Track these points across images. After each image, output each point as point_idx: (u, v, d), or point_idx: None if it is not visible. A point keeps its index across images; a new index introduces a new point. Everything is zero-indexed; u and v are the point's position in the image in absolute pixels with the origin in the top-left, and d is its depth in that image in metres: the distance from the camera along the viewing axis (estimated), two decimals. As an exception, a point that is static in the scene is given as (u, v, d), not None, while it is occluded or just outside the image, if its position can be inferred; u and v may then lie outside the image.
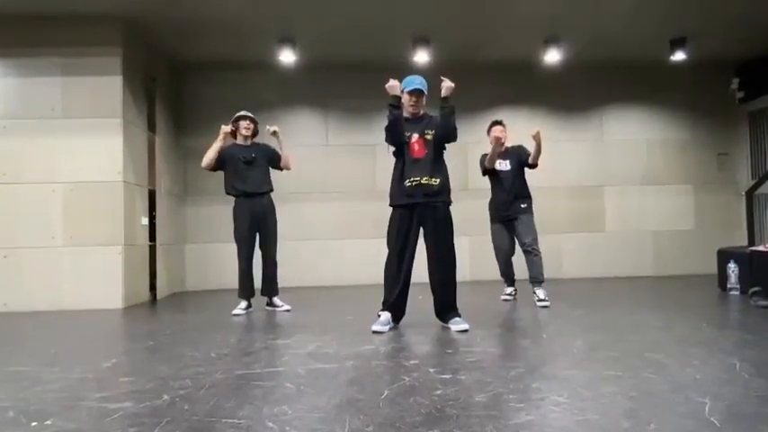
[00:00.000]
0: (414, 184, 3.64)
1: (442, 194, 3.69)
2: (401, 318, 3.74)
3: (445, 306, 3.70)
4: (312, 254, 6.89)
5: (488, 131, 5.10)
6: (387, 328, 3.61)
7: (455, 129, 3.73)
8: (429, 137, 3.72)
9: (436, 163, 3.71)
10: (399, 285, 3.66)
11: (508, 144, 5.06)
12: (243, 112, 4.82)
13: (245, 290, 4.67)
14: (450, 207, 3.76)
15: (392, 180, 3.82)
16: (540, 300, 4.66)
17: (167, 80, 6.66)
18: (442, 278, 3.67)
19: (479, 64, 7.11)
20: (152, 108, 6.21)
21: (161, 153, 6.31)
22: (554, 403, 1.97)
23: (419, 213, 3.66)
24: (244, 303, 4.67)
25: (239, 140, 4.79)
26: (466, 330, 3.49)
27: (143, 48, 5.91)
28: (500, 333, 3.52)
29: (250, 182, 4.64)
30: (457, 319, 3.64)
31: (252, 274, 4.69)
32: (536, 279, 4.79)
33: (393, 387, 2.23)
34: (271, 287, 4.74)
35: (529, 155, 4.93)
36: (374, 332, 3.51)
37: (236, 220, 4.68)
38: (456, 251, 3.74)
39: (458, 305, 3.70)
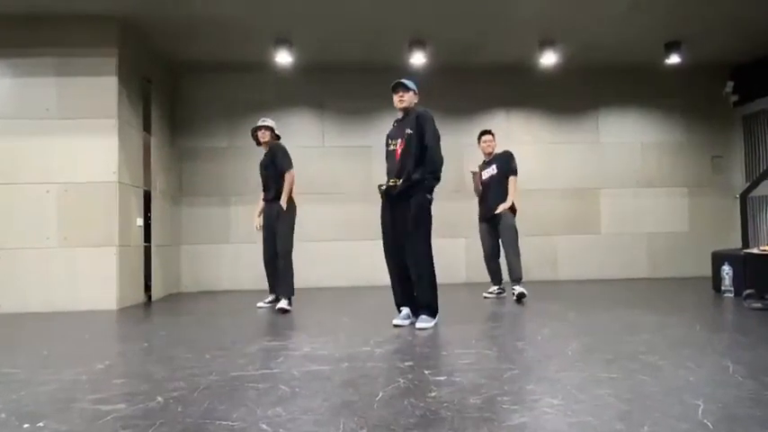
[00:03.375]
0: (384, 188, 3.78)
1: (413, 191, 3.67)
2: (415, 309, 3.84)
3: (418, 302, 3.80)
4: (308, 255, 6.87)
5: (478, 140, 5.49)
6: (407, 322, 3.78)
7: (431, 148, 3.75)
8: (407, 135, 3.76)
9: (409, 158, 3.71)
10: (396, 279, 3.83)
11: (498, 150, 5.43)
12: (258, 122, 5.05)
13: (268, 283, 5.15)
14: (430, 196, 3.73)
15: None
16: (518, 292, 4.98)
17: (163, 81, 6.65)
18: (415, 274, 3.74)
19: (475, 66, 7.13)
20: (147, 109, 6.20)
21: (156, 154, 6.30)
22: (548, 405, 1.97)
23: (394, 207, 3.77)
24: (268, 297, 5.13)
25: (263, 147, 5.09)
26: (424, 329, 3.60)
27: (138, 48, 5.90)
28: (494, 335, 3.52)
29: (264, 188, 5.03)
30: (423, 316, 3.73)
31: (270, 271, 5.04)
32: (514, 278, 5.11)
33: (388, 389, 2.23)
34: (279, 286, 4.87)
35: (514, 167, 5.29)
36: (394, 326, 3.71)
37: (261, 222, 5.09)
38: (432, 249, 3.75)
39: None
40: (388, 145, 3.90)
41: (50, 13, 5.25)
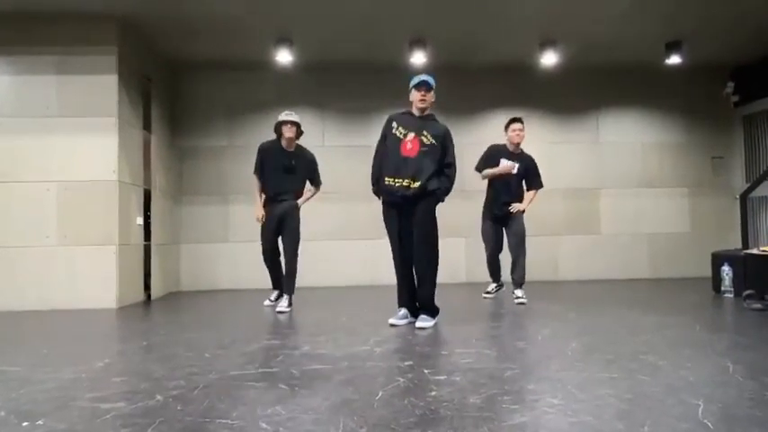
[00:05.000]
0: (396, 184, 3.70)
1: (424, 196, 3.70)
2: (416, 312, 3.83)
3: (420, 302, 3.80)
4: (307, 255, 6.83)
5: (506, 128, 5.15)
6: (404, 322, 3.78)
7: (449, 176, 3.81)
8: (426, 140, 3.73)
9: (424, 164, 3.69)
10: (403, 280, 3.82)
11: (523, 146, 5.15)
12: (283, 117, 4.75)
13: (271, 278, 5.05)
14: (438, 203, 3.79)
15: (374, 167, 3.95)
16: (518, 297, 4.90)
17: (163, 79, 6.64)
18: (420, 274, 3.74)
19: (476, 66, 7.13)
20: (147, 107, 6.19)
21: (156, 152, 6.29)
22: (548, 405, 1.97)
23: (401, 210, 3.75)
24: (273, 294, 5.07)
25: (284, 143, 4.80)
26: (424, 329, 3.61)
27: (139, 46, 5.89)
28: (495, 335, 3.52)
29: (279, 188, 4.78)
30: (423, 316, 3.74)
31: (273, 268, 4.95)
32: (517, 282, 5.00)
33: (387, 388, 2.23)
34: (285, 284, 4.82)
35: (536, 176, 5.10)
36: (390, 325, 3.71)
37: (264, 219, 4.84)
38: (440, 250, 3.79)
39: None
40: (392, 128, 3.81)
41: (50, 11, 5.24)
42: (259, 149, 4.87)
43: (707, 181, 7.59)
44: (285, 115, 4.75)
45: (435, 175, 3.73)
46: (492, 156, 5.10)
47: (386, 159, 3.80)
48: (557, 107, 7.45)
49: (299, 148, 4.87)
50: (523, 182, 5.15)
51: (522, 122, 5.07)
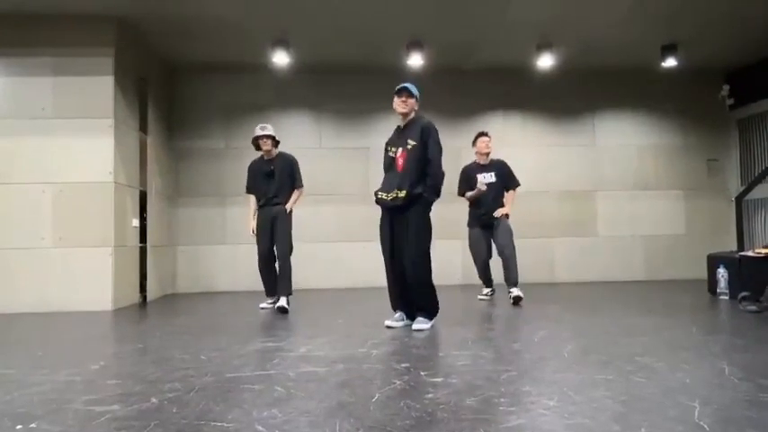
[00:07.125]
0: (385, 197, 3.74)
1: (413, 202, 3.68)
2: (412, 314, 3.83)
3: (417, 305, 3.82)
4: (305, 256, 6.84)
5: (474, 142, 5.40)
6: (400, 324, 3.81)
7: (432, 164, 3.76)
8: (410, 146, 3.75)
9: (411, 172, 3.70)
10: (394, 285, 3.84)
11: (493, 155, 5.36)
12: (257, 132, 4.96)
13: (265, 286, 5.03)
14: (430, 205, 3.77)
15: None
16: (515, 295, 4.99)
17: (159, 81, 6.63)
18: (412, 279, 3.74)
19: (473, 68, 7.14)
20: (144, 109, 6.18)
21: (153, 154, 6.28)
22: (544, 407, 1.97)
23: (393, 216, 3.77)
24: (269, 299, 5.03)
25: (264, 155, 5.04)
26: (420, 330, 3.62)
27: (135, 48, 5.88)
28: (491, 337, 3.52)
29: (265, 193, 4.94)
30: (420, 318, 3.75)
31: (268, 273, 4.95)
32: (512, 281, 5.11)
33: (384, 390, 2.22)
34: (280, 285, 4.86)
35: (511, 177, 5.30)
36: (387, 327, 3.76)
37: (256, 225, 4.98)
38: (436, 252, 3.81)
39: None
40: (387, 151, 3.89)
41: (47, 12, 5.23)
42: (248, 169, 5.11)
43: (702, 183, 7.62)
44: (259, 130, 4.98)
45: (421, 178, 3.71)
46: (467, 177, 5.32)
47: (384, 178, 3.87)
48: (553, 110, 7.47)
49: (280, 154, 5.04)
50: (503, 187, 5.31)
51: (488, 136, 5.34)
